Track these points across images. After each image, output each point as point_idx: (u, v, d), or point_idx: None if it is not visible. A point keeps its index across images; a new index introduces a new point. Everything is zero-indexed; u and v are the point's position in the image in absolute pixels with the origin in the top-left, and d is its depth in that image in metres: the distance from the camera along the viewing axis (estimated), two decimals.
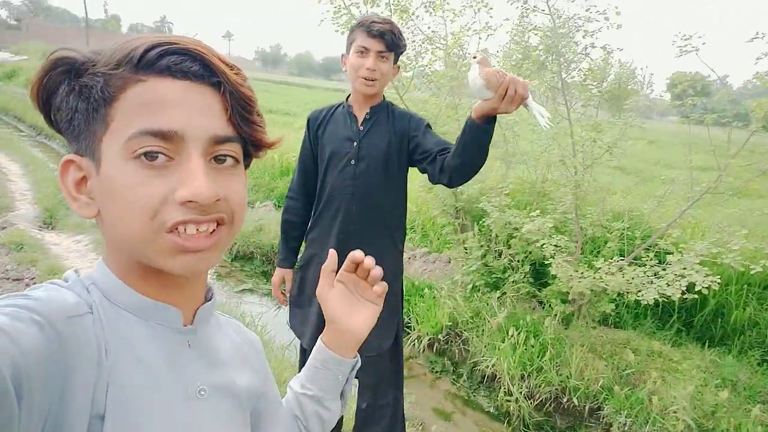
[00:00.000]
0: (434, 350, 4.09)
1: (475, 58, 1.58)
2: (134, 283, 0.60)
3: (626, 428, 3.18)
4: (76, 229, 5.86)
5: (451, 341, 4.10)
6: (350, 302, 0.85)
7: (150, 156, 0.54)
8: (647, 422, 3.13)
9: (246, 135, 0.60)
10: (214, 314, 0.71)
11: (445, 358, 4.03)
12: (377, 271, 0.82)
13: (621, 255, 3.79)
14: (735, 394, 3.25)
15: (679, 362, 3.59)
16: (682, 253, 3.07)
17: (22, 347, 0.44)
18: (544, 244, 3.47)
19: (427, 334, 4.10)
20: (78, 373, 0.50)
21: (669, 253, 3.32)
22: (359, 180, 2.04)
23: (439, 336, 4.10)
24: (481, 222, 4.39)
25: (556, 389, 3.48)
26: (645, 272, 3.24)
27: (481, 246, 4.30)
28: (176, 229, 0.55)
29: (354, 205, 2.04)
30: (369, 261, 0.81)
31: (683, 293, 2.92)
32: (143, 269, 0.59)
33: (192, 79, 0.56)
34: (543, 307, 4.11)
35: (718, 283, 2.80)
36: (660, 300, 3.11)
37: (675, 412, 3.05)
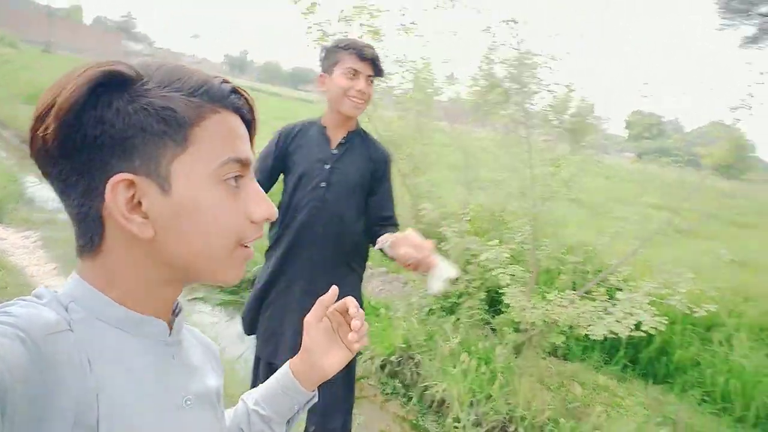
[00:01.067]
0: (386, 371, 4.06)
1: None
2: (122, 299, 0.60)
3: None
4: (25, 224, 5.62)
5: (404, 363, 4.08)
6: (329, 340, 0.89)
7: (237, 179, 0.62)
8: None
9: None
10: None
11: (397, 380, 4.00)
12: (360, 324, 0.86)
13: (573, 288, 3.86)
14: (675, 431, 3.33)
15: (623, 397, 3.66)
16: (632, 291, 3.14)
17: (7, 362, 0.44)
18: (500, 273, 3.51)
19: (381, 354, 4.07)
20: (60, 389, 0.50)
21: (619, 290, 3.40)
22: (328, 204, 2.02)
23: (392, 357, 4.07)
24: (439, 246, 4.41)
25: (504, 418, 3.49)
26: (595, 307, 3.30)
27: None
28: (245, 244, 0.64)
29: (320, 228, 2.02)
30: (355, 317, 0.86)
31: (631, 331, 2.98)
32: (153, 286, 0.62)
33: (243, 115, 0.65)
34: (495, 335, 4.14)
35: (665, 323, 2.87)
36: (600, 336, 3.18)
37: None
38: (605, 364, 4.19)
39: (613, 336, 3.20)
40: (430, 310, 4.30)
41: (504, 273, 3.47)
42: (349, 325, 0.87)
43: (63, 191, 0.58)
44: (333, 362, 0.88)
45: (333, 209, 2.02)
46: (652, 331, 2.89)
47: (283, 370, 0.88)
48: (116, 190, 0.56)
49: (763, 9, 15.20)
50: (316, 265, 2.02)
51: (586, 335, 3.66)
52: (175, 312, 0.69)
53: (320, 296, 1.90)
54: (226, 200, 0.61)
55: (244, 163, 0.62)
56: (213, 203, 0.60)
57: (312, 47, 4.53)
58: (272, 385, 0.88)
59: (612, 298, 3.42)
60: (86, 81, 0.53)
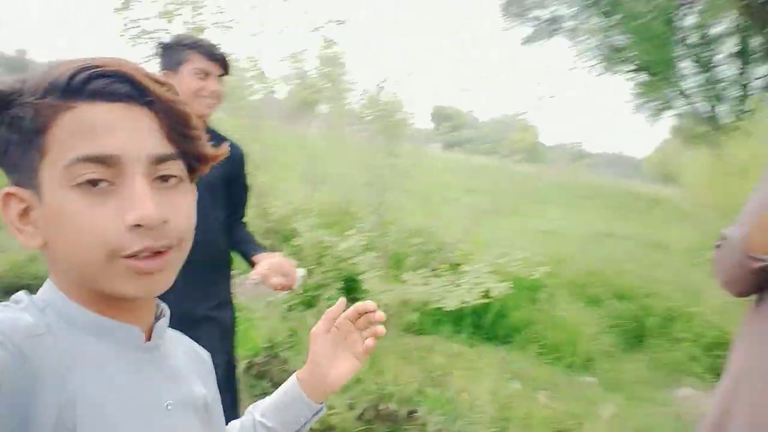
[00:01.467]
0: (253, 373, 3.96)
1: None
2: (89, 304, 0.59)
3: (440, 426, 3.44)
4: None
5: (270, 363, 4.02)
6: (337, 351, 0.86)
7: (92, 183, 0.53)
8: (457, 419, 3.43)
9: (187, 150, 0.60)
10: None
11: (265, 380, 3.92)
12: (381, 323, 0.85)
13: (418, 268, 4.15)
14: (524, 385, 3.73)
15: (476, 361, 4.01)
16: (476, 264, 3.47)
17: None
18: (359, 260, 3.64)
19: (245, 357, 3.96)
20: (41, 393, 0.49)
21: (457, 264, 3.73)
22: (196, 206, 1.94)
23: (257, 359, 3.99)
24: (290, 242, 4.42)
25: (375, 397, 3.62)
26: (444, 283, 3.59)
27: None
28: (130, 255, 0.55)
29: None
30: (380, 314, 0.85)
31: (481, 298, 3.30)
32: (96, 293, 0.58)
33: (123, 100, 0.55)
34: None
35: (510, 288, 3.22)
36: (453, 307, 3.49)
37: (479, 407, 3.40)
38: (455, 333, 4.55)
39: (458, 308, 3.52)
40: (290, 306, 4.29)
41: (362, 260, 3.60)
42: (358, 329, 0.86)
43: None
44: (341, 373, 0.86)
45: (200, 212, 1.95)
46: (500, 296, 3.22)
47: (291, 381, 0.86)
48: (8, 203, 0.57)
49: (536, 13, 17.48)
50: (187, 268, 1.93)
51: (436, 310, 3.96)
52: (158, 317, 0.67)
53: (194, 300, 1.87)
54: (83, 207, 0.53)
55: (106, 161, 0.53)
56: (70, 211, 0.53)
57: (130, 44, 4.23)
58: (279, 397, 0.86)
59: (456, 273, 3.74)
60: None
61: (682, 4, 12.68)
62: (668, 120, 23.72)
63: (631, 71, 17.26)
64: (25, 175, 0.55)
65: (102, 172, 0.54)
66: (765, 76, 15.88)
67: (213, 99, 1.91)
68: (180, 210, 0.59)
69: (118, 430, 0.56)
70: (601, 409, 3.48)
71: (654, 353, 4.93)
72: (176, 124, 0.58)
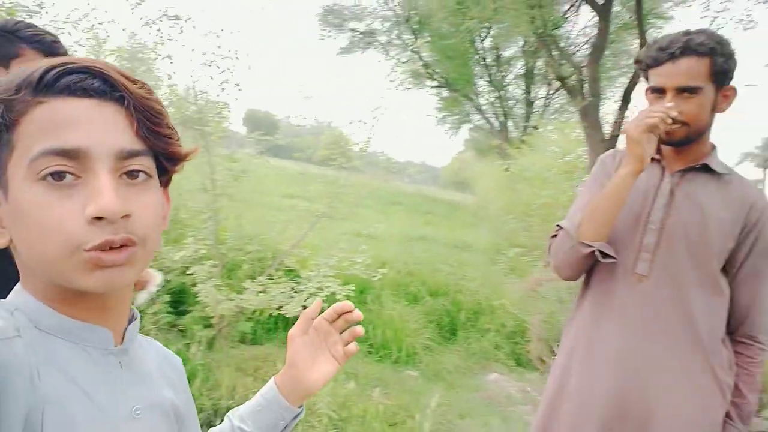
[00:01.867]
0: None
1: None
2: (58, 306, 0.59)
3: None
4: None
5: None
6: (315, 353, 0.86)
7: (57, 176, 0.53)
8: (296, 425, 3.48)
9: (157, 148, 0.60)
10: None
11: None
12: (362, 331, 0.87)
13: (254, 277, 4.12)
14: (358, 384, 3.90)
15: None
16: (318, 268, 3.57)
17: None
18: (194, 270, 3.50)
19: None
20: (12, 397, 0.49)
21: (291, 270, 3.79)
22: None
23: None
24: None
25: (209, 414, 3.51)
26: (284, 290, 3.62)
27: None
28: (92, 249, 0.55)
29: None
30: (358, 313, 0.87)
31: (324, 301, 3.40)
32: (65, 292, 0.58)
33: (94, 96, 0.55)
34: (185, 335, 4.08)
35: (352, 290, 3.37)
36: (282, 316, 3.54)
37: (318, 410, 3.49)
38: (267, 341, 4.58)
39: (294, 315, 3.58)
40: None
41: (201, 269, 3.49)
42: (337, 330, 0.87)
43: None
44: (319, 376, 0.85)
45: None
46: (344, 299, 3.35)
47: (269, 386, 0.85)
48: None
49: (353, 24, 18.14)
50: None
51: (270, 318, 3.98)
52: (130, 320, 0.67)
53: None
54: (45, 200, 0.53)
55: (71, 155, 0.54)
56: (32, 204, 0.53)
57: None
58: (257, 401, 0.85)
59: (295, 279, 3.80)
60: None
61: (483, 27, 14.13)
62: (466, 133, 26.18)
63: (435, 87, 18.75)
64: None
65: (67, 166, 0.53)
66: (544, 96, 18.42)
67: None
68: (146, 207, 0.59)
69: None
70: (427, 399, 3.79)
71: (466, 344, 5.48)
72: (147, 121, 0.58)
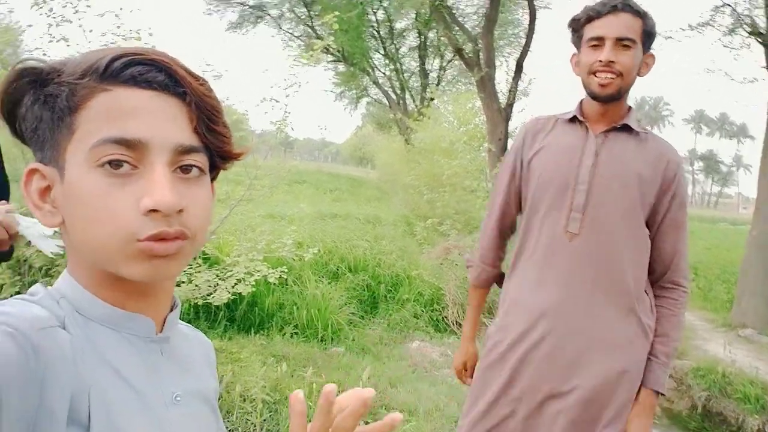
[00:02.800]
0: None
1: None
2: (103, 293, 0.59)
3: None
4: None
5: None
6: None
7: (115, 164, 0.54)
8: (230, 412, 3.43)
9: (212, 145, 0.61)
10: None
11: None
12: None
13: None
14: (289, 365, 3.90)
15: (238, 353, 4.03)
16: (246, 253, 3.49)
17: None
18: None
19: None
20: (53, 384, 0.50)
21: (208, 257, 3.68)
22: None
23: None
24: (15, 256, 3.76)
25: None
26: (208, 279, 3.52)
27: (19, 280, 3.70)
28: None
29: None
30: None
31: (254, 287, 3.34)
32: (111, 278, 0.58)
33: (157, 89, 0.56)
34: None
35: (284, 271, 3.34)
36: (204, 304, 3.45)
37: (251, 396, 3.45)
38: (210, 329, 4.47)
39: (209, 303, 3.49)
40: None
41: None
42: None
43: None
44: None
45: None
46: (277, 281, 3.31)
47: None
48: (30, 179, 0.58)
49: None
50: None
51: (191, 308, 3.86)
52: (171, 308, 0.67)
53: None
54: (104, 188, 0.54)
55: (131, 145, 0.54)
56: (89, 191, 0.54)
57: None
58: None
59: (213, 265, 3.69)
60: (4, 82, 0.56)
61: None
62: (364, 107, 26.24)
63: (331, 61, 18.57)
64: (51, 152, 0.57)
65: (126, 155, 0.54)
66: (438, 69, 18.79)
67: None
68: (198, 202, 0.59)
69: (128, 422, 0.56)
70: (357, 373, 3.86)
71: (387, 316, 5.61)
72: (205, 118, 0.59)
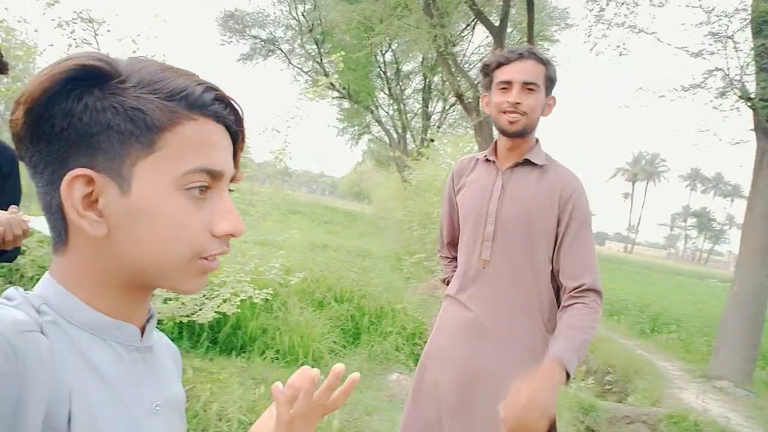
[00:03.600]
0: None
1: None
2: (95, 301, 0.59)
3: None
4: None
5: None
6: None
7: (202, 190, 0.59)
8: (207, 429, 3.48)
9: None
10: None
11: None
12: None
13: None
14: (267, 388, 3.95)
15: (218, 373, 4.09)
16: (234, 274, 3.60)
17: None
18: None
19: None
20: (31, 390, 0.49)
21: None
22: None
23: None
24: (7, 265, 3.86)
25: None
26: (194, 297, 3.62)
27: (8, 283, 3.79)
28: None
29: None
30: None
31: (237, 307, 3.44)
32: (116, 288, 0.60)
33: (227, 125, 0.62)
34: None
35: (269, 293, 3.44)
36: (188, 323, 3.52)
37: (227, 415, 3.51)
38: (192, 349, 4.53)
39: (192, 323, 3.54)
40: None
41: None
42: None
43: (32, 177, 0.58)
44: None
45: None
46: (261, 301, 3.41)
47: None
48: (73, 185, 0.55)
49: (254, 31, 17.94)
50: None
51: (175, 327, 3.95)
52: (149, 317, 0.68)
53: None
54: (186, 210, 0.59)
55: (214, 175, 0.60)
56: (171, 211, 0.58)
57: None
58: None
59: (209, 285, 3.78)
60: (59, 72, 0.54)
61: (384, 42, 14.51)
62: (365, 144, 26.57)
63: (337, 98, 18.95)
64: (111, 162, 0.56)
65: (210, 183, 0.60)
66: (441, 111, 19.15)
67: None
68: None
69: (110, 427, 0.57)
70: None
71: (369, 347, 5.67)
72: (239, 150, 0.66)
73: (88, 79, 0.55)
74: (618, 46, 9.17)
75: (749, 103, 7.57)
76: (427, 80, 18.30)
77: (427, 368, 1.84)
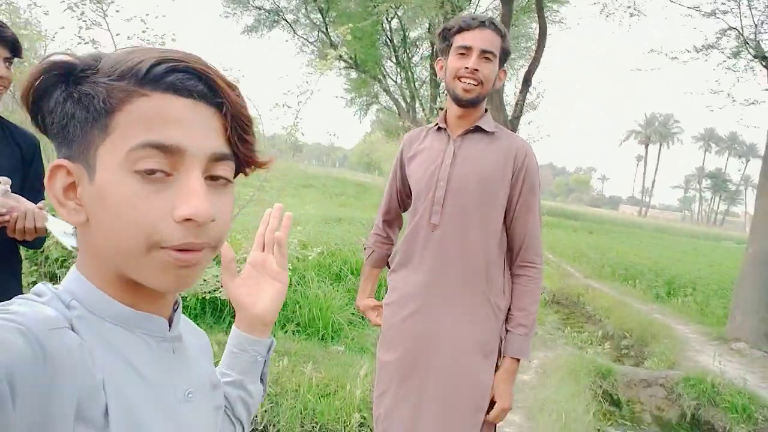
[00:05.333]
0: None
1: (2, 184, 1.62)
2: (116, 293, 0.59)
3: None
4: None
5: None
6: (257, 284, 0.85)
7: (149, 171, 0.54)
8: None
9: (241, 154, 0.62)
10: None
11: None
12: (282, 238, 0.86)
13: None
14: (290, 360, 4.05)
15: None
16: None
17: (11, 354, 0.44)
18: None
19: None
20: (61, 385, 0.49)
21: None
22: None
23: None
24: None
25: None
26: (216, 274, 3.68)
27: (36, 270, 3.87)
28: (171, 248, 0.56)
29: None
30: (277, 206, 0.88)
31: None
32: (126, 281, 0.59)
33: (195, 98, 0.56)
34: None
35: (288, 268, 3.49)
36: (211, 299, 3.58)
37: None
38: (215, 324, 4.63)
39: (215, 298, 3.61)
40: None
41: None
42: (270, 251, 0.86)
43: None
44: (268, 302, 0.84)
45: None
46: None
47: (232, 333, 0.86)
48: (54, 175, 0.57)
49: (258, 2, 17.71)
50: None
51: (197, 302, 4.03)
52: (175, 307, 0.68)
53: None
54: (137, 192, 0.54)
55: (168, 151, 0.54)
56: (121, 194, 0.54)
57: None
58: (229, 350, 0.86)
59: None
60: (35, 73, 0.55)
61: (392, 8, 14.30)
62: (373, 114, 26.38)
63: (344, 68, 18.76)
64: (80, 150, 0.56)
65: (161, 162, 0.54)
66: None
67: (1, 85, 1.75)
68: (224, 210, 0.60)
69: (146, 421, 0.57)
70: (355, 370, 4.00)
71: None
72: (238, 128, 0.60)
73: (61, 76, 0.55)
74: (629, 7, 8.98)
75: (764, 63, 7.43)
76: (435, 47, 17.96)
77: (386, 350, 1.88)
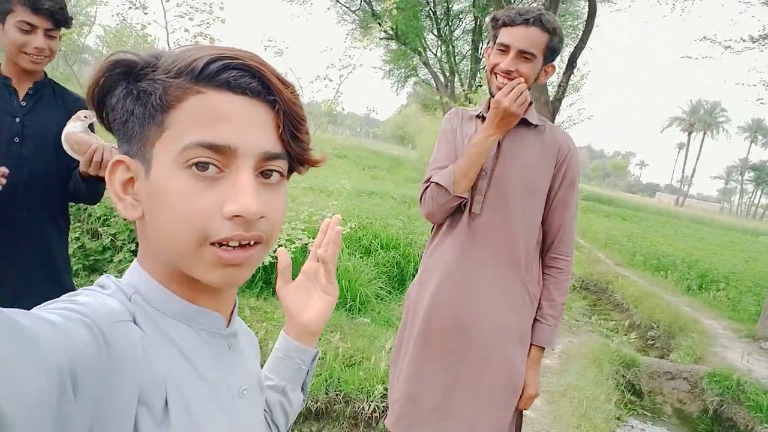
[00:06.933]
0: None
1: (85, 117, 1.72)
2: (175, 288, 0.61)
3: None
4: None
5: None
6: (307, 294, 0.88)
7: (201, 166, 0.55)
8: (263, 365, 3.72)
9: (294, 153, 0.62)
10: None
11: None
12: (328, 255, 0.88)
13: None
14: None
15: (272, 312, 4.31)
16: (288, 221, 3.74)
17: (76, 344, 0.45)
18: None
19: None
20: (123, 377, 0.50)
21: None
22: (26, 161, 1.83)
23: None
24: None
25: None
26: None
27: (79, 227, 4.03)
28: (219, 243, 0.57)
29: (19, 190, 1.82)
30: (336, 218, 0.89)
31: (292, 253, 3.59)
32: (183, 276, 0.60)
33: (249, 95, 0.57)
34: None
35: None
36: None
37: None
38: (247, 289, 4.77)
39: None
40: (74, 271, 4.00)
41: None
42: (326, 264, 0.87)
43: None
44: (316, 313, 0.87)
45: (33, 167, 1.86)
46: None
47: (280, 338, 0.88)
48: (114, 171, 0.59)
49: None
50: (18, 228, 1.85)
51: None
52: (233, 306, 0.70)
53: (28, 255, 1.76)
54: (189, 188, 0.55)
55: (220, 150, 0.55)
56: (174, 189, 0.55)
57: None
58: (275, 354, 0.88)
59: None
60: (97, 71, 0.57)
61: None
62: (410, 87, 26.15)
63: (383, 38, 18.56)
64: (138, 146, 0.57)
65: (214, 159, 0.55)
66: None
67: (39, 56, 1.81)
68: (276, 208, 0.61)
69: (205, 412, 0.59)
70: (381, 342, 4.09)
71: None
72: (291, 126, 0.60)
73: (123, 74, 0.57)
74: None
75: None
76: (478, 21, 17.67)
77: (418, 314, 1.88)
